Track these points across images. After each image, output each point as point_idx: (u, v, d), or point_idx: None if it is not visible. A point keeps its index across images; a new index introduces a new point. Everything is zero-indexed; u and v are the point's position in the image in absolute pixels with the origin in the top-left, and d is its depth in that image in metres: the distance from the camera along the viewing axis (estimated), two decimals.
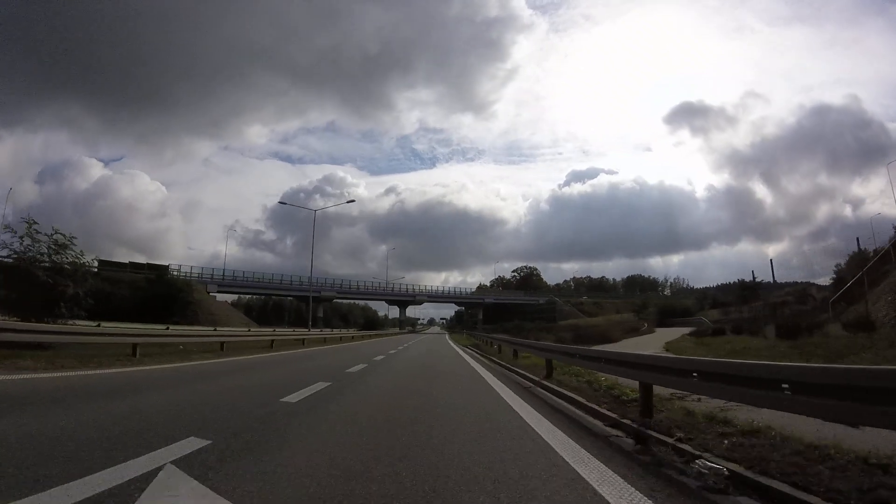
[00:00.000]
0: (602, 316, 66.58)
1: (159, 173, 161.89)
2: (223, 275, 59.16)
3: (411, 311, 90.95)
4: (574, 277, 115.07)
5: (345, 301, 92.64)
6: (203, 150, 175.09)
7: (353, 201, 65.80)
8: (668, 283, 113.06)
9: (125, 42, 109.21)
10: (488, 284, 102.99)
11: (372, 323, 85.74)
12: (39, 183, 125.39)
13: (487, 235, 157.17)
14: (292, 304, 79.84)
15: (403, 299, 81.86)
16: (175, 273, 51.11)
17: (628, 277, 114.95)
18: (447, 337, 46.11)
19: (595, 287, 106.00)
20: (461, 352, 19.88)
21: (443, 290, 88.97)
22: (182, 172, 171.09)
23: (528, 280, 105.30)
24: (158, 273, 45.03)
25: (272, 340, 18.31)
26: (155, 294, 38.85)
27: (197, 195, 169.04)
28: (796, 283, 45.57)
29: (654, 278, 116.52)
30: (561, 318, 66.91)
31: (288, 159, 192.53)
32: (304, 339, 22.62)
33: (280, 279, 65.59)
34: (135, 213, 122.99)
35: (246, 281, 62.10)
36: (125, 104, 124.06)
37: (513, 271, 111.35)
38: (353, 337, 35.01)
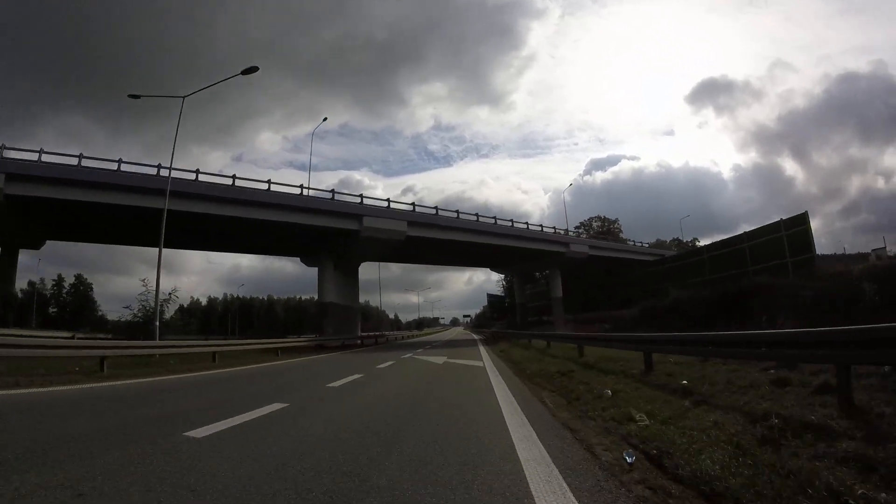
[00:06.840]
0: None
1: None
2: None
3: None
4: (657, 240, 79.67)
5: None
6: (215, 162, 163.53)
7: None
8: None
9: (119, 41, 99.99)
10: None
11: None
12: None
13: None
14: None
15: (325, 224, 25.41)
16: None
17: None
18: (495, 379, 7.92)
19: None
20: None
21: (453, 216, 31.89)
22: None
23: (603, 237, 59.23)
24: None
25: None
26: None
27: None
28: None
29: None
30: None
31: (303, 167, 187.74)
32: None
33: None
34: None
35: None
36: (125, 111, 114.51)
37: (576, 227, 62.23)
38: None
